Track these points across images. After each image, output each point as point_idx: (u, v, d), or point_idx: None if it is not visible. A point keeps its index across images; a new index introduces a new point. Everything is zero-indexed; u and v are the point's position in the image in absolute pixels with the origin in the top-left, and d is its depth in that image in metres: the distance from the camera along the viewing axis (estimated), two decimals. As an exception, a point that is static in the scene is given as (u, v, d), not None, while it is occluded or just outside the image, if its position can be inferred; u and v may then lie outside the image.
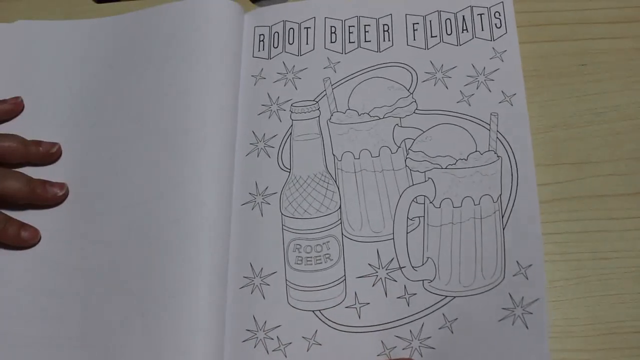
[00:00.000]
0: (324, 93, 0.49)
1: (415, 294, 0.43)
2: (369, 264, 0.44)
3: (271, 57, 0.52)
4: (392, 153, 0.47)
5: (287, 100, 0.50)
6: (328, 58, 0.51)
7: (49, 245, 0.46)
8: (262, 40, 0.52)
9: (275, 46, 0.52)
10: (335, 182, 0.47)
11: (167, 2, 0.53)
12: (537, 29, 0.52)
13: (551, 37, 0.52)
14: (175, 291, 0.42)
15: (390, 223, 0.45)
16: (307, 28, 0.52)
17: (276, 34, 0.52)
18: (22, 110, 0.51)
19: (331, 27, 0.52)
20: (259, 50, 0.52)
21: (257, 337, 0.43)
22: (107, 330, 0.43)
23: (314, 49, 0.51)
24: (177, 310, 0.42)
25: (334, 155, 0.48)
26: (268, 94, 0.50)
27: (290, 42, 0.52)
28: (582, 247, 0.45)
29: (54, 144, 0.49)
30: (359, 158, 0.47)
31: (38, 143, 0.49)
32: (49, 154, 0.49)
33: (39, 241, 0.46)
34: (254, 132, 0.49)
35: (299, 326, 0.43)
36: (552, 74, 0.51)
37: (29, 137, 0.49)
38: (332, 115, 0.49)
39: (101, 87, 0.51)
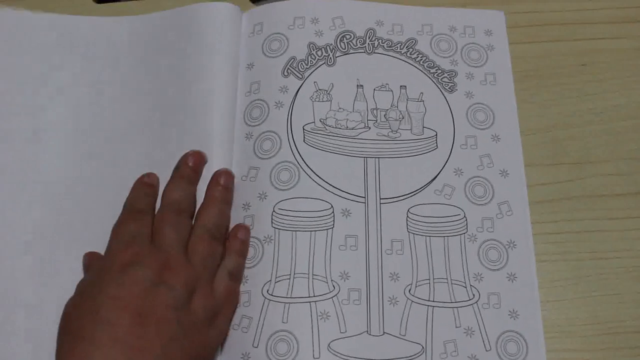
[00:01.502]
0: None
1: None
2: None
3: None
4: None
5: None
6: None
7: (53, 247, 0.46)
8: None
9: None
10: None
11: (166, 2, 0.53)
12: (537, 29, 0.53)
13: (551, 37, 0.52)
14: None
15: None
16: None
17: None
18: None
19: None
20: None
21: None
22: None
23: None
24: None
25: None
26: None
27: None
28: (582, 247, 0.45)
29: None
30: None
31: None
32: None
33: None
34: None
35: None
36: (552, 74, 0.51)
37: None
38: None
39: (99, 86, 0.51)
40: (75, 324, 0.37)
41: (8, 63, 0.52)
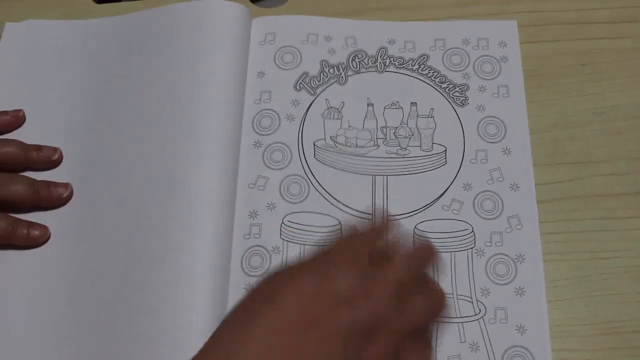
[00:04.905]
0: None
1: None
2: None
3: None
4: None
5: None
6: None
7: (55, 246, 0.46)
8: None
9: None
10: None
11: (168, 2, 0.53)
12: (537, 29, 0.53)
13: (551, 37, 0.52)
14: (180, 285, 0.43)
15: None
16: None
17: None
18: (22, 122, 0.50)
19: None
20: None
21: None
22: (115, 327, 0.43)
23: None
24: (179, 307, 0.42)
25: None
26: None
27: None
28: (582, 246, 0.45)
29: (55, 150, 0.48)
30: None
31: (39, 148, 0.48)
32: (50, 160, 0.48)
33: (48, 238, 0.46)
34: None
35: None
36: (552, 74, 0.51)
37: (34, 135, 0.49)
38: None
39: (108, 86, 0.51)
40: None
41: (26, 70, 0.53)
